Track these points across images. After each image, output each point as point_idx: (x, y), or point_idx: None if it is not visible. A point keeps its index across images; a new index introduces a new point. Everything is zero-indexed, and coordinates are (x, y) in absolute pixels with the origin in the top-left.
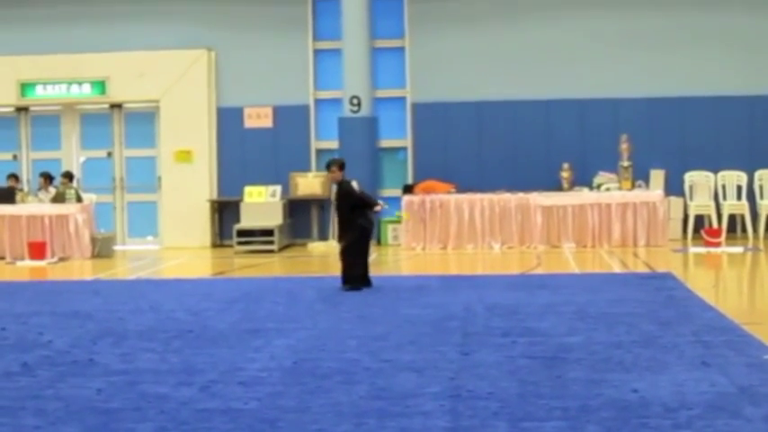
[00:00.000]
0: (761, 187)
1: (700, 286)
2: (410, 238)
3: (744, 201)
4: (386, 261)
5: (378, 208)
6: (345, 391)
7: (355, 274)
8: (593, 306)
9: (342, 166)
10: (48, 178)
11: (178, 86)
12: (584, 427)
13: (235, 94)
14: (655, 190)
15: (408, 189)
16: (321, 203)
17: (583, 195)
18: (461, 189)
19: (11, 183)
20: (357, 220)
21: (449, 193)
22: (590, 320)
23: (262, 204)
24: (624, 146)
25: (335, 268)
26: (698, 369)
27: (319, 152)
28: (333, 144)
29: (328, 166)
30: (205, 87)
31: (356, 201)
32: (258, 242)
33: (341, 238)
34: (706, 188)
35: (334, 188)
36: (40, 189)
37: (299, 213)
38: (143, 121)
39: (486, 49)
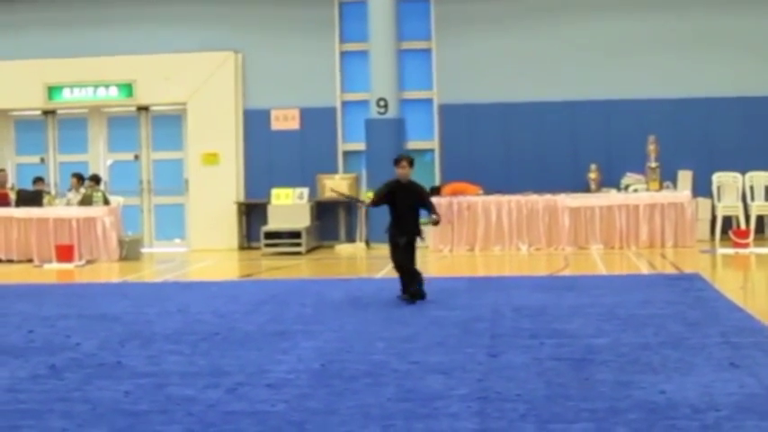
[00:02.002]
0: None
1: (728, 287)
2: (437, 240)
3: None
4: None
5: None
6: (373, 393)
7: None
8: (621, 307)
9: (412, 162)
10: (80, 179)
11: (205, 89)
12: (613, 429)
13: (262, 96)
14: (682, 191)
15: (436, 191)
16: (348, 205)
17: (610, 197)
18: (489, 191)
19: (38, 186)
20: (418, 221)
21: (476, 194)
22: (618, 322)
23: (289, 206)
24: (652, 147)
25: (363, 270)
26: (726, 370)
27: (346, 154)
28: (360, 146)
29: (398, 161)
30: (232, 90)
31: (428, 204)
32: (285, 244)
33: (404, 234)
34: (734, 189)
35: (398, 182)
36: (70, 189)
37: (326, 215)
38: (170, 124)
39: (512, 51)
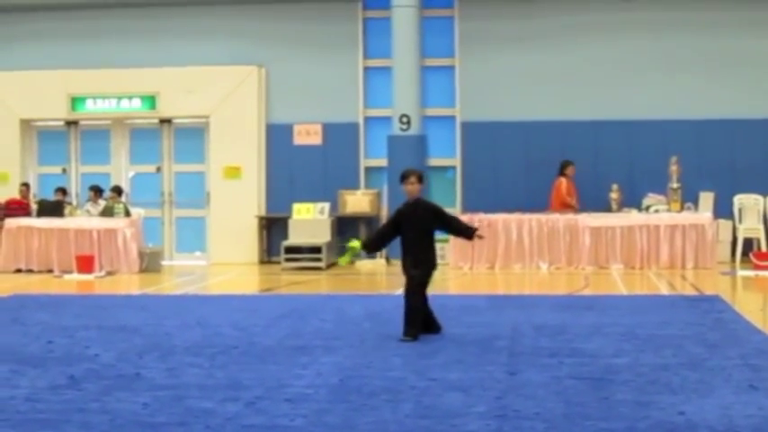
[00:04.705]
0: None
1: (748, 309)
2: (457, 257)
3: None
4: (433, 280)
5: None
6: (391, 410)
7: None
8: (641, 328)
9: (421, 178)
10: (97, 191)
11: (228, 102)
12: None
13: (284, 110)
14: (704, 212)
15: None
16: (369, 221)
17: (631, 217)
18: (509, 208)
19: (59, 196)
20: (434, 248)
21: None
22: (637, 342)
23: (310, 221)
24: (673, 168)
25: (383, 286)
26: (745, 392)
27: (368, 170)
28: (382, 162)
29: (405, 177)
30: (255, 104)
31: (447, 221)
32: (306, 259)
33: (418, 266)
34: (755, 211)
35: (406, 204)
36: (88, 201)
37: (347, 231)
38: (192, 137)
39: (535, 70)
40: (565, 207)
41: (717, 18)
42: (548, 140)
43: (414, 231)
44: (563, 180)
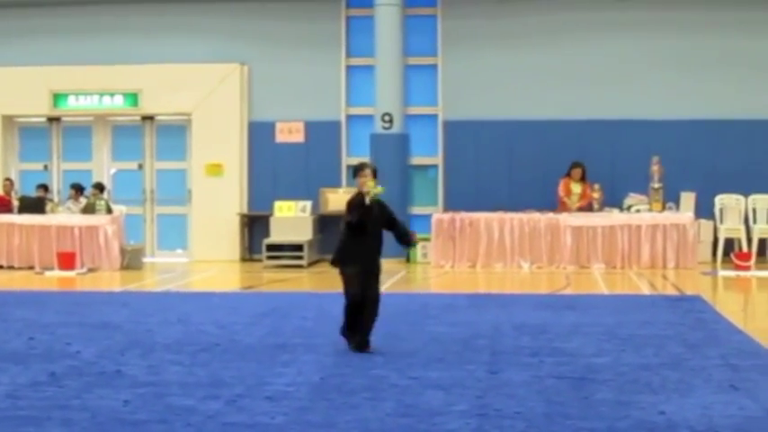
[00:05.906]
0: None
1: (729, 309)
2: (439, 256)
3: None
4: (414, 279)
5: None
6: (372, 408)
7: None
8: (622, 327)
9: (375, 173)
10: (78, 190)
11: (210, 100)
12: None
13: (267, 108)
14: (685, 212)
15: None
16: None
17: (613, 216)
18: (491, 207)
19: (40, 193)
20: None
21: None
22: (618, 342)
23: (292, 219)
24: (655, 168)
25: None
26: (726, 392)
27: (350, 168)
28: (364, 160)
29: (359, 171)
30: (237, 101)
31: (395, 223)
32: (287, 257)
33: (375, 267)
34: (736, 211)
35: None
36: (69, 199)
37: (328, 229)
38: (174, 134)
39: (518, 69)
40: (561, 206)
41: (699, 18)
42: (530, 139)
43: (373, 229)
44: (561, 180)
